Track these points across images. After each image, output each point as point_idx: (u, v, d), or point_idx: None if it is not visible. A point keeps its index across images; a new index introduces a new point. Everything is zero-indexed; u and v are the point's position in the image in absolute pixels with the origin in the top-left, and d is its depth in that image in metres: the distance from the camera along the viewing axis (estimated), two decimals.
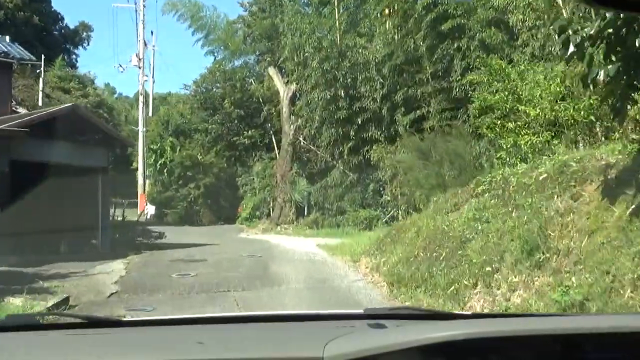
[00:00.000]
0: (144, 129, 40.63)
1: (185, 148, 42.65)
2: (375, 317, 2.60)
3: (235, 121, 35.20)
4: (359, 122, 27.79)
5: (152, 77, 44.43)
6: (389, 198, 28.03)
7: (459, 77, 23.26)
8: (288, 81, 31.95)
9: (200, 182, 40.82)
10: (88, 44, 65.19)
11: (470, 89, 22.24)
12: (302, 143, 31.17)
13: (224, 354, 2.01)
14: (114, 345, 2.25)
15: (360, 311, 2.81)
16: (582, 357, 1.95)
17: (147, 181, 43.85)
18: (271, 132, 34.21)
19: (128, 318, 3.25)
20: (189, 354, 2.03)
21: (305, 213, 30.75)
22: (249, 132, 34.46)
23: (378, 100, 27.12)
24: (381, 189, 28.55)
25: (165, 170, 42.41)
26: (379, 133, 27.78)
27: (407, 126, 26.54)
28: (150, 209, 37.39)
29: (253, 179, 34.59)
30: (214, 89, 36.43)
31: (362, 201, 28.70)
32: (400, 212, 27.44)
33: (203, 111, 37.40)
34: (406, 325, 2.41)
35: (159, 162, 42.42)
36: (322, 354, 1.87)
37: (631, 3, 1.66)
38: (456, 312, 5.31)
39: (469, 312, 5.18)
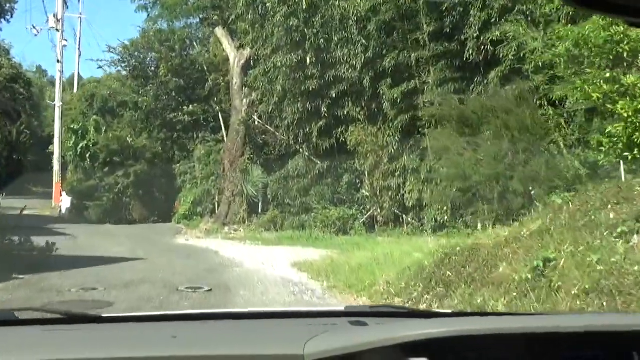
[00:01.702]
0: (61, 104, 33.43)
1: (112, 129, 35.74)
2: (356, 314, 2.62)
3: (173, 93, 28.38)
4: (333, 95, 21.74)
5: (79, 47, 37.29)
6: (367, 193, 22.13)
7: (476, 34, 17.39)
8: (241, 45, 25.51)
9: (130, 169, 34.08)
10: (12, 17, 56.35)
11: (495, 48, 16.53)
12: (257, 122, 24.89)
13: (204, 351, 2.01)
14: (92, 341, 2.24)
15: (341, 309, 2.86)
16: (560, 355, 1.98)
17: (70, 168, 36.96)
18: (217, 108, 27.70)
19: (106, 314, 2.66)
20: (168, 350, 2.01)
21: (260, 210, 24.51)
22: (190, 107, 27.69)
23: (358, 67, 21.12)
24: (358, 181, 22.65)
25: (87, 155, 35.42)
26: (357, 110, 21.81)
27: (396, 101, 20.66)
28: (65, 202, 30.43)
29: (194, 166, 28.07)
30: (148, 54, 29.41)
31: (333, 197, 22.73)
32: (383, 212, 21.60)
33: (133, 80, 30.40)
34: (387, 323, 2.40)
35: (80, 145, 35.38)
36: (302, 351, 1.86)
37: (616, 6, 1.58)
38: (437, 310, 4.73)
39: (450, 311, 4.21)
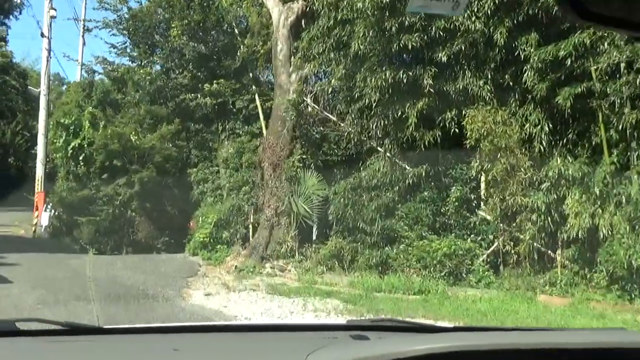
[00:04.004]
0: (46, 91, 25.72)
1: (113, 124, 28.05)
2: (358, 328, 2.65)
3: (190, 66, 20.28)
4: (441, 59, 13.73)
5: (83, 24, 29.50)
6: (489, 216, 14.13)
7: None
8: None
9: (134, 176, 26.43)
10: (20, 13, 48.87)
11: None
12: (312, 107, 16.85)
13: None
14: (94, 353, 2.23)
15: (343, 322, 3.04)
16: None
17: (60, 174, 29.43)
18: (254, 87, 19.54)
19: (108, 326, 2.70)
20: None
21: (314, 236, 16.46)
22: (214, 85, 19.48)
23: (486, 12, 13.21)
24: (473, 196, 14.54)
25: (81, 158, 27.79)
26: (480, 83, 13.83)
27: (546, 68, 12.76)
28: (44, 218, 22.56)
29: (218, 170, 20.00)
30: (155, 11, 21.02)
31: (434, 220, 14.64)
32: (520, 246, 13.64)
33: (136, 49, 22.26)
34: (388, 337, 2.41)
35: (72, 144, 27.76)
36: None
37: (618, 20, 1.59)
38: (438, 324, 4.47)
39: (452, 325, 4.29)
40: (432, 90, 13.80)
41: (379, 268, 14.62)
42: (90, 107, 28.73)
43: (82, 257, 16.62)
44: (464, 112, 13.91)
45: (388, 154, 15.36)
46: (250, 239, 17.08)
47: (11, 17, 47.31)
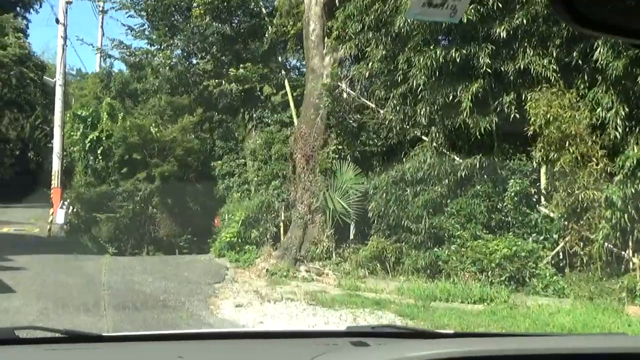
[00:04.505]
0: (62, 81, 24.42)
1: (132, 116, 26.73)
2: (358, 335, 2.64)
3: (214, 49, 18.72)
4: (500, 34, 12.10)
5: (101, 12, 28.07)
6: (552, 213, 12.47)
7: None
8: None
9: (155, 170, 25.09)
10: (40, 6, 47.54)
11: None
12: (348, 93, 15.28)
13: None
14: None
15: (343, 329, 2.98)
16: None
17: (78, 168, 28.23)
18: (283, 72, 17.96)
19: (108, 333, 2.87)
20: None
21: (351, 235, 14.93)
22: (240, 70, 17.88)
23: None
24: (534, 191, 12.89)
25: (99, 151, 26.53)
26: (544, 62, 12.15)
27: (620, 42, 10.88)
28: (59, 216, 21.25)
29: (244, 163, 18.49)
30: None
31: (489, 217, 13.01)
32: (590, 247, 11.97)
33: (154, 32, 20.69)
34: (388, 343, 2.40)
35: (90, 137, 26.47)
36: None
37: (618, 28, 1.60)
38: (439, 330, 4.03)
39: (452, 331, 3.93)
40: (489, 70, 12.15)
41: (427, 271, 13.07)
42: (109, 98, 27.46)
43: (99, 259, 15.25)
44: (524, 95, 12.28)
45: (434, 144, 13.75)
46: (282, 238, 15.54)
47: (31, 10, 46.37)
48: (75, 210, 25.27)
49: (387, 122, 14.69)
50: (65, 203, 23.86)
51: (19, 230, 20.67)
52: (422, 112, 13.28)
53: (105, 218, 25.67)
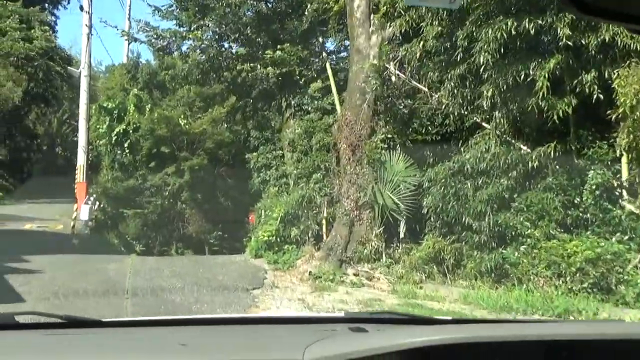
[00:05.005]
0: (87, 71, 23.25)
1: (160, 107, 25.55)
2: (356, 321, 2.63)
3: (248, 30, 17.20)
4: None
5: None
6: (635, 209, 10.74)
7: None
8: None
9: (184, 164, 23.98)
10: (68, 2, 46.45)
11: None
12: (397, 75, 13.72)
13: (204, 356, 2.02)
14: (93, 346, 2.22)
15: (341, 314, 2.98)
16: None
17: (104, 162, 27.20)
18: (324, 54, 16.44)
19: (106, 319, 2.61)
20: (169, 356, 2.02)
21: (402, 234, 13.37)
22: (277, 52, 16.34)
23: None
24: (616, 184, 11.23)
25: (126, 144, 25.44)
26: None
27: None
28: (84, 212, 20.04)
29: (282, 155, 17.01)
30: None
31: (564, 214, 11.34)
32: None
33: (183, 12, 19.16)
34: (387, 329, 2.39)
35: (116, 130, 25.38)
36: (302, 357, 1.84)
37: (619, 14, 1.60)
38: (437, 317, 3.81)
39: (450, 317, 3.60)
40: (569, 43, 10.49)
41: (492, 275, 11.48)
42: (136, 90, 26.29)
43: (124, 260, 13.88)
44: (607, 72, 10.60)
45: (497, 132, 12.13)
46: (324, 237, 14.01)
47: (60, 7, 45.45)
48: (101, 205, 24.15)
49: (442, 107, 13.11)
50: (91, 199, 22.71)
51: (41, 227, 19.53)
52: (486, 95, 11.64)
53: (132, 214, 24.52)
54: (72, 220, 19.26)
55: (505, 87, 11.47)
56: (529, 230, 11.36)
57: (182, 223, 25.25)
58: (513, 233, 11.61)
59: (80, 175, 23.02)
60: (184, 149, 24.10)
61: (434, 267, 12.09)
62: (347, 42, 15.52)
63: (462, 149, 12.66)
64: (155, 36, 18.19)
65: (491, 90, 11.61)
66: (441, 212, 12.46)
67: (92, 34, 24.00)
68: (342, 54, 16.91)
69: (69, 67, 30.18)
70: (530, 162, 11.47)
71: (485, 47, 11.18)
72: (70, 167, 42.37)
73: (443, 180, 12.39)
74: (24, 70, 36.58)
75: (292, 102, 17.14)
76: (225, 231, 24.40)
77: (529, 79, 10.96)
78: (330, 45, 17.53)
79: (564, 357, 1.90)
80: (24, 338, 2.32)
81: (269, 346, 2.17)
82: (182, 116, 24.23)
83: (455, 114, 12.83)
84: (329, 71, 16.39)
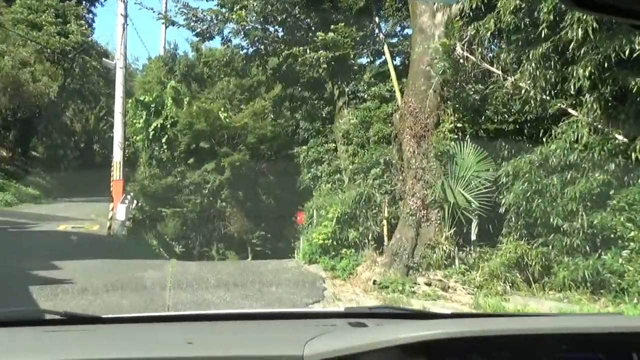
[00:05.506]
0: (122, 62, 22.14)
1: (198, 100, 24.41)
2: (356, 316, 2.61)
3: (296, 10, 15.61)
4: None
5: None
6: None
7: None
8: None
9: (224, 160, 22.81)
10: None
11: None
12: (467, 57, 12.12)
13: (204, 352, 1.97)
14: (93, 342, 2.19)
15: (341, 310, 2.88)
16: (559, 357, 1.94)
17: (141, 159, 26.31)
18: (381, 35, 14.89)
19: (106, 315, 2.60)
20: (169, 351, 1.98)
21: (474, 236, 11.79)
22: (329, 35, 14.77)
23: None
24: None
25: (164, 140, 24.38)
26: None
27: None
28: (120, 211, 18.89)
29: (335, 148, 15.52)
30: None
31: None
32: None
33: None
34: (387, 324, 2.39)
35: (153, 124, 24.33)
36: (302, 352, 1.82)
37: (616, 8, 1.59)
38: (436, 312, 4.33)
39: (450, 312, 4.12)
40: None
41: (587, 285, 9.85)
42: (173, 82, 25.16)
43: (163, 266, 12.52)
44: None
45: (586, 119, 10.47)
46: (386, 240, 12.47)
47: (97, 4, 44.75)
48: (138, 204, 23.06)
49: (520, 92, 11.49)
50: (128, 197, 21.59)
51: (76, 227, 18.42)
52: (582, 75, 9.99)
53: (171, 213, 23.42)
54: (109, 221, 18.12)
55: (598, 67, 9.82)
56: (632, 233, 9.70)
57: (223, 222, 24.07)
58: (611, 235, 9.97)
59: (116, 172, 21.89)
60: (224, 144, 22.89)
61: (517, 274, 10.52)
62: (406, 22, 13.92)
63: (543, 140, 11.04)
64: (194, 18, 16.83)
65: (588, 70, 9.95)
66: (523, 211, 10.87)
67: (127, 24, 22.89)
68: (401, 35, 15.26)
69: (104, 59, 29.00)
70: (633, 154, 9.80)
71: (579, 19, 9.55)
72: (107, 165, 41.72)
73: (528, 176, 10.79)
74: (60, 65, 35.88)
75: (346, 90, 15.52)
76: (269, 231, 23.12)
77: (634, 56, 9.29)
78: (386, 25, 15.91)
79: (567, 350, 1.89)
80: (24, 335, 2.29)
81: (269, 341, 2.12)
82: (222, 109, 23.00)
83: (538, 99, 11.19)
84: (387, 54, 14.80)
